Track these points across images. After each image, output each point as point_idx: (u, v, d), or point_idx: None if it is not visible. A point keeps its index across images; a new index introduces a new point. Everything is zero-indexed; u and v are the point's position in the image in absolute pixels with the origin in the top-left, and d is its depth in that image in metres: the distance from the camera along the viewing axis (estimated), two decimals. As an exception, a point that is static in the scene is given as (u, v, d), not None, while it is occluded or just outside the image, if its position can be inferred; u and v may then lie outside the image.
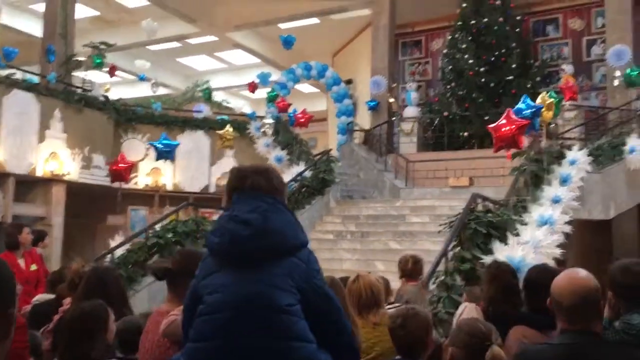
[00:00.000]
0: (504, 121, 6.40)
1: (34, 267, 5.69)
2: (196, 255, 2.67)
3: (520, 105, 6.83)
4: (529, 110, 6.62)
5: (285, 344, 1.96)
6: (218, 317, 1.99)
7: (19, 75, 12.38)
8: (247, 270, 2.03)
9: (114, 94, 14.76)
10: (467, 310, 3.19)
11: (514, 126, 6.23)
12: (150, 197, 14.46)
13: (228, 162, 15.22)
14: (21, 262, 5.64)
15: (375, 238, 10.18)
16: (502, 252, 5.96)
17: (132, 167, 8.98)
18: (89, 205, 14.40)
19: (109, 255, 7.48)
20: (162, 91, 22.18)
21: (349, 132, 16.06)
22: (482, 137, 13.95)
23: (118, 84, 20.90)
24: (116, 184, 10.09)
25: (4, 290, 1.19)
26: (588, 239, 11.08)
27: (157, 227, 8.30)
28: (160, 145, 8.85)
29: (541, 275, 3.04)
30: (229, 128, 12.12)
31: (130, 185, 14.41)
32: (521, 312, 3.00)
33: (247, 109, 24.91)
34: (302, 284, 2.05)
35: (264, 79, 16.38)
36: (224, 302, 2.00)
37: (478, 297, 3.88)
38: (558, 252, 6.59)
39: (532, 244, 6.20)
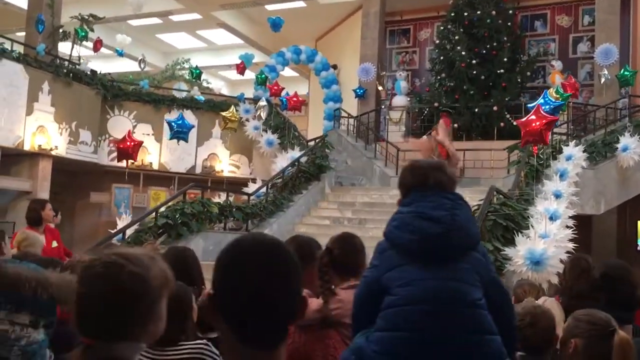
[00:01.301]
0: (533, 116, 6.47)
1: (54, 244, 5.55)
2: (310, 244, 2.66)
3: (540, 100, 6.93)
4: (548, 106, 6.72)
5: (479, 337, 2.01)
6: (413, 309, 2.02)
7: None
8: (436, 265, 2.07)
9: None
10: (548, 304, 3.25)
11: (543, 121, 6.31)
12: (135, 175, 14.17)
13: (215, 143, 15.08)
14: (42, 239, 5.47)
15: (373, 225, 10.22)
16: (524, 245, 6.08)
17: (140, 145, 8.78)
18: (71, 182, 14.07)
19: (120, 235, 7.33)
20: (138, 67, 21.75)
21: (336, 118, 16.01)
22: (470, 128, 14.17)
23: (94, 58, 20.34)
24: (110, 162, 9.81)
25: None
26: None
27: (162, 208, 8.15)
28: (176, 126, 8.66)
29: (619, 271, 3.13)
30: (233, 110, 11.91)
31: (115, 162, 14.13)
32: (603, 307, 3.07)
33: (224, 90, 24.69)
34: (485, 278, 2.10)
35: (247, 60, 16.19)
36: (418, 295, 2.03)
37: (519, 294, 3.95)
38: (571, 246, 6.76)
39: (552, 237, 6.34)
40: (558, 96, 7.99)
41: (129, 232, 7.50)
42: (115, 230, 7.66)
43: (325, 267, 2.65)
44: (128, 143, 8.58)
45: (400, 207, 2.28)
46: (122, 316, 1.40)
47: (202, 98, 15.19)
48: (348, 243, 2.76)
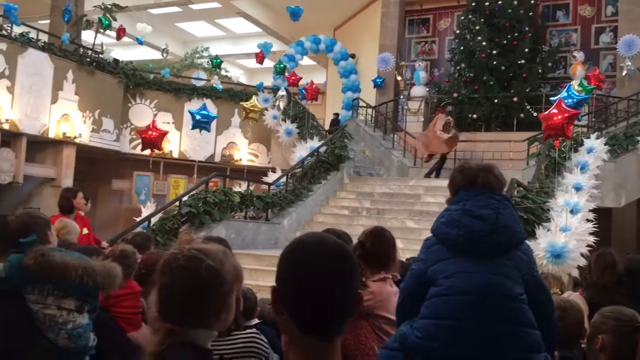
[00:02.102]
0: (555, 110, 6.48)
1: (85, 231, 5.67)
2: (343, 237, 2.73)
3: (563, 94, 6.92)
4: (571, 100, 6.71)
5: (518, 329, 2.12)
6: (457, 299, 2.14)
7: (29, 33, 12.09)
8: (480, 260, 2.18)
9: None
10: (573, 298, 3.30)
11: (565, 115, 6.31)
12: (156, 163, 14.34)
13: (234, 132, 15.19)
14: (77, 227, 5.61)
15: (391, 216, 10.31)
16: (545, 238, 6.11)
17: (165, 135, 8.89)
18: (93, 169, 14.29)
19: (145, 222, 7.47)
20: (159, 55, 21.88)
21: (354, 108, 16.03)
22: (489, 119, 14.13)
23: (114, 46, 20.49)
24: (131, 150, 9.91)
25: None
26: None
27: (185, 197, 8.28)
28: (198, 116, 8.76)
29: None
30: (254, 100, 11.98)
31: (137, 150, 14.31)
32: (626, 302, 3.13)
33: (242, 79, 24.75)
34: (527, 276, 2.21)
35: (266, 49, 16.25)
36: (462, 286, 2.16)
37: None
38: (592, 239, 6.78)
39: (573, 230, 6.36)
40: (581, 89, 7.93)
41: (153, 220, 7.65)
42: (140, 218, 7.80)
43: (358, 259, 2.73)
44: (152, 133, 8.69)
45: (449, 205, 2.42)
46: (199, 306, 1.53)
47: (220, 87, 15.28)
48: (380, 237, 2.84)
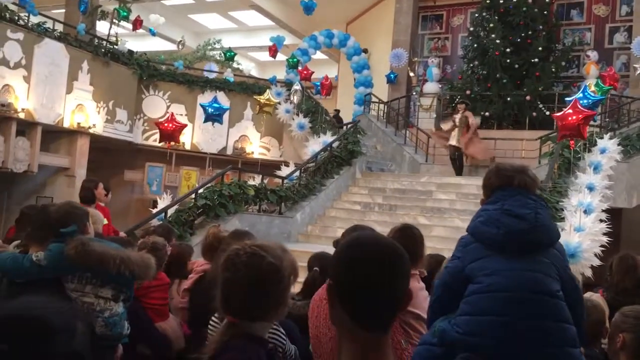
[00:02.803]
0: (570, 110, 6.50)
1: (105, 221, 5.75)
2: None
3: (579, 95, 6.94)
4: (587, 101, 6.72)
5: (558, 324, 2.20)
6: (498, 295, 2.21)
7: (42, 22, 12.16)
8: (519, 258, 2.23)
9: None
10: (597, 300, 3.35)
11: (580, 116, 6.33)
12: (168, 154, 14.44)
13: (246, 125, 15.24)
14: (102, 217, 5.69)
15: (403, 212, 10.35)
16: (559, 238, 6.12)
17: (183, 128, 8.93)
18: (105, 159, 14.37)
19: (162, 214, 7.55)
20: (171, 47, 21.94)
21: (366, 103, 16.06)
22: (501, 117, 14.14)
23: (126, 36, 20.56)
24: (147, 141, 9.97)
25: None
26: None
27: (201, 190, 8.35)
28: (210, 109, 8.82)
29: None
30: (269, 94, 12.03)
31: (149, 142, 14.41)
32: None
33: (254, 72, 24.79)
34: (562, 273, 2.26)
35: (279, 42, 16.27)
36: (503, 283, 2.22)
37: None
38: (605, 239, 6.81)
39: (587, 230, 6.40)
40: (597, 90, 7.94)
41: (169, 212, 7.72)
42: (155, 209, 7.89)
43: None
44: (170, 125, 8.76)
45: (485, 205, 2.46)
46: (260, 300, 1.61)
47: (231, 79, 15.30)
48: (408, 234, 2.89)
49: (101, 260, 2.50)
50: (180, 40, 15.19)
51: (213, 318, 2.95)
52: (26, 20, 11.16)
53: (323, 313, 2.79)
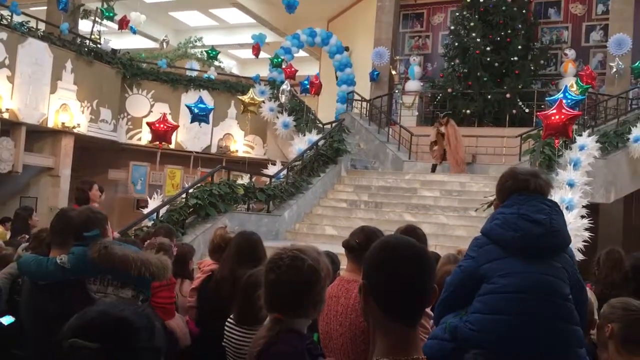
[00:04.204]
0: (554, 110, 6.71)
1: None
2: (376, 234, 2.93)
3: (560, 95, 7.16)
4: (568, 101, 6.94)
5: (568, 326, 2.35)
6: (513, 296, 2.34)
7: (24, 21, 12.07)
8: (533, 261, 2.38)
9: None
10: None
11: (564, 116, 6.54)
12: (152, 153, 14.42)
13: (230, 124, 15.30)
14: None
15: (389, 209, 10.52)
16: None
17: (175, 129, 8.98)
18: (89, 159, 14.32)
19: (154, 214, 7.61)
20: (152, 44, 21.83)
21: (349, 101, 16.20)
22: (482, 115, 14.40)
23: (106, 34, 20.43)
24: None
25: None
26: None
27: (191, 190, 8.42)
28: (196, 109, 8.88)
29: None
30: (252, 94, 12.11)
31: (133, 141, 14.40)
32: (632, 295, 3.37)
33: (235, 70, 24.79)
34: (572, 277, 2.42)
35: (260, 40, 16.34)
36: (518, 284, 2.35)
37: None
38: (587, 235, 7.04)
39: (570, 227, 6.60)
40: (577, 89, 8.19)
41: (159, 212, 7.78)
42: (147, 210, 7.94)
43: None
44: (161, 126, 8.81)
45: (501, 208, 2.57)
46: (302, 298, 1.76)
47: (213, 77, 15.32)
48: (412, 234, 3.03)
49: (123, 263, 2.61)
50: (164, 39, 15.13)
51: (229, 320, 3.07)
52: (9, 20, 11.08)
53: (333, 310, 2.92)
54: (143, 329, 1.16)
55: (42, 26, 12.46)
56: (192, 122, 9.86)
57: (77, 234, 2.67)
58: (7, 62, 10.82)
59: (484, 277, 2.43)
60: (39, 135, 11.95)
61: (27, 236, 5.52)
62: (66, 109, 11.99)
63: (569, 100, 7.24)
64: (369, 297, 1.51)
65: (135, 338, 1.15)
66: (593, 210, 12.10)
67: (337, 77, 17.09)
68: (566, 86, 8.11)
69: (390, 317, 1.49)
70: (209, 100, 14.96)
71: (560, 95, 7.49)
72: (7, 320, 2.86)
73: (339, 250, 3.13)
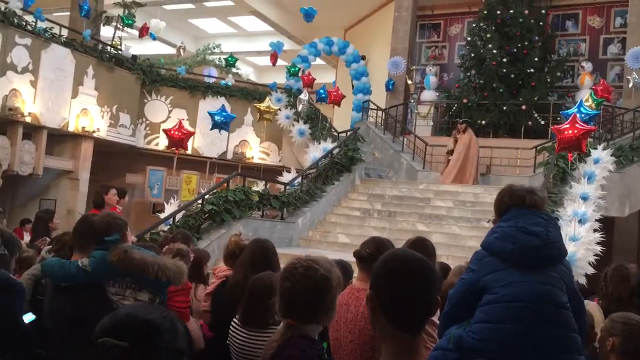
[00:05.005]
0: (567, 125, 6.75)
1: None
2: (386, 245, 3.02)
3: (575, 109, 7.20)
4: (583, 115, 6.98)
5: (567, 333, 2.44)
6: (515, 305, 2.43)
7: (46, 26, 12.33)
8: (531, 271, 2.47)
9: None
10: (591, 307, 3.59)
11: (577, 131, 6.58)
12: (169, 158, 14.61)
13: (246, 131, 15.46)
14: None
15: (402, 219, 10.59)
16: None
17: (191, 136, 9.17)
18: (108, 162, 14.56)
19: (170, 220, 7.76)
20: (170, 50, 22.14)
21: (364, 110, 16.30)
22: (497, 126, 14.42)
23: (126, 40, 20.75)
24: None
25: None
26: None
27: (207, 195, 8.56)
28: (221, 118, 9.05)
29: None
30: (269, 102, 12.27)
31: (151, 146, 14.62)
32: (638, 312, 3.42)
33: (252, 76, 25.04)
34: (569, 287, 2.51)
35: (278, 48, 16.51)
36: (519, 294, 2.44)
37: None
38: (599, 248, 7.06)
39: (581, 240, 6.65)
40: (593, 104, 8.21)
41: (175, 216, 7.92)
42: (163, 215, 8.09)
43: None
44: (177, 133, 8.98)
45: (499, 222, 2.68)
46: (314, 306, 1.88)
47: (230, 83, 15.49)
48: (421, 246, 3.12)
49: (141, 267, 2.73)
50: (180, 46, 15.36)
51: (234, 320, 3.18)
52: (33, 26, 11.34)
53: (343, 317, 3.01)
54: (167, 331, 1.27)
55: (64, 32, 12.72)
56: (212, 129, 10.05)
57: (98, 238, 2.80)
58: (30, 67, 11.07)
59: (485, 288, 2.53)
60: (60, 139, 12.20)
61: (47, 238, 5.69)
62: (86, 113, 12.24)
63: (583, 115, 7.27)
64: (375, 307, 1.61)
65: (160, 339, 1.26)
66: (608, 223, 12.11)
67: (353, 86, 17.21)
68: (581, 100, 8.12)
69: (396, 326, 1.58)
70: (226, 107, 15.15)
71: (574, 109, 7.51)
72: (29, 318, 2.99)
73: (351, 258, 3.22)
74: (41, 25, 11.41)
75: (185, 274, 2.96)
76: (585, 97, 8.30)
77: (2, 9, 10.64)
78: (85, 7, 12.44)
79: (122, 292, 2.79)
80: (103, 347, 1.24)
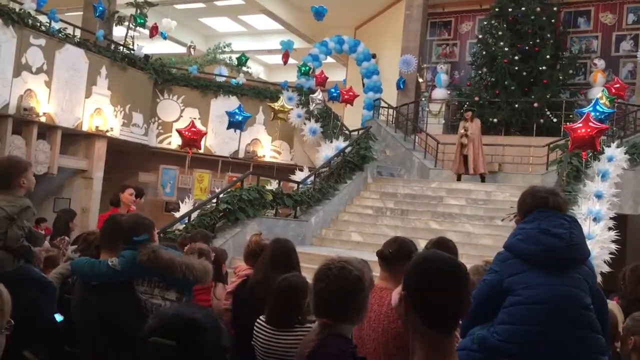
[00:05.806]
0: (580, 124, 6.74)
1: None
2: (409, 244, 3.05)
3: (589, 108, 7.18)
4: (597, 114, 6.96)
5: (591, 334, 2.46)
6: (538, 307, 2.45)
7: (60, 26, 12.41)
8: (555, 273, 2.49)
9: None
10: (610, 306, 3.60)
11: (590, 130, 6.58)
12: (182, 157, 14.67)
13: (258, 129, 15.50)
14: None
15: (415, 217, 10.60)
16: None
17: (204, 135, 9.24)
18: (121, 161, 14.65)
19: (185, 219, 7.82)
20: (181, 49, 22.21)
21: (375, 108, 16.31)
22: (509, 124, 14.38)
23: (137, 39, 20.82)
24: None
25: None
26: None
27: (221, 194, 8.63)
28: (239, 117, 9.11)
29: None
30: (283, 102, 12.32)
31: (164, 145, 14.70)
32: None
33: (262, 75, 25.08)
34: (592, 288, 2.52)
35: (289, 47, 16.53)
36: (542, 296, 2.47)
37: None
38: (614, 247, 7.05)
39: (596, 238, 6.65)
40: (607, 100, 8.18)
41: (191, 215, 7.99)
42: (179, 214, 8.16)
43: None
44: (189, 133, 9.05)
45: (522, 224, 2.70)
46: (348, 305, 1.93)
47: (240, 82, 15.51)
48: (443, 246, 3.15)
49: (169, 266, 2.77)
50: (191, 45, 15.43)
51: (259, 319, 3.22)
52: (47, 26, 11.43)
53: (366, 316, 3.06)
54: (211, 330, 1.31)
55: (77, 32, 12.82)
56: (229, 128, 10.13)
57: (126, 238, 2.85)
58: (45, 67, 11.17)
59: (508, 290, 2.55)
60: (74, 139, 12.29)
61: (66, 238, 5.76)
62: (100, 113, 12.33)
63: (597, 113, 7.25)
64: (409, 307, 1.64)
65: (205, 337, 1.30)
66: (621, 221, 12.06)
67: (364, 84, 17.22)
68: (597, 98, 8.10)
69: (428, 326, 1.61)
70: (236, 105, 15.20)
71: (589, 108, 7.50)
72: (58, 318, 3.04)
73: (365, 256, 3.26)
74: (55, 25, 11.48)
75: (211, 273, 3.01)
76: (600, 94, 8.26)
77: (17, 10, 10.74)
78: (100, 7, 12.52)
79: (151, 291, 2.84)
80: (152, 347, 1.28)
